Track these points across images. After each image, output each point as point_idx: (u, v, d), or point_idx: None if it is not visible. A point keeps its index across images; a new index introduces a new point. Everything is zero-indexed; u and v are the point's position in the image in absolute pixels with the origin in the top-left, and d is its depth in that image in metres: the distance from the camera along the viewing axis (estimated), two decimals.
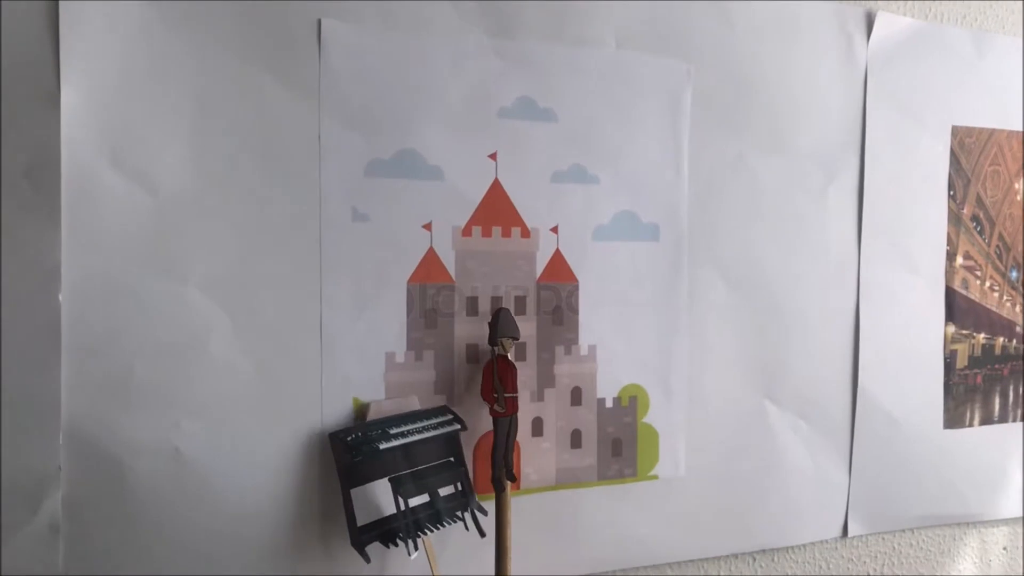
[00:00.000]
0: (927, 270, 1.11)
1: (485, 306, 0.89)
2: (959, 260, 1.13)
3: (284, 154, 0.80)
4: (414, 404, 0.86)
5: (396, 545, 0.81)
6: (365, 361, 0.84)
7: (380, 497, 0.83)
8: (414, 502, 0.81)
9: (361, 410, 0.84)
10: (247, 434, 0.79)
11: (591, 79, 0.92)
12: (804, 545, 1.08)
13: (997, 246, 1.15)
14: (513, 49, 0.89)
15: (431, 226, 0.86)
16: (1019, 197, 1.16)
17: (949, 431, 1.14)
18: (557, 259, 0.92)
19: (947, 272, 1.12)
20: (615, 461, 0.95)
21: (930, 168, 1.11)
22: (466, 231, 0.88)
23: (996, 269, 1.16)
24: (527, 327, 0.90)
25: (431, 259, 0.86)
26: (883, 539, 1.14)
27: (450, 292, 0.87)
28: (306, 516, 0.82)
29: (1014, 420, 1.18)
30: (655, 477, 0.97)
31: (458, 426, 0.86)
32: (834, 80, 1.04)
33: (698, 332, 0.98)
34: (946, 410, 1.13)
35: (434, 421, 0.85)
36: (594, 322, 0.93)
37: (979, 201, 1.13)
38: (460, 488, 0.85)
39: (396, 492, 0.80)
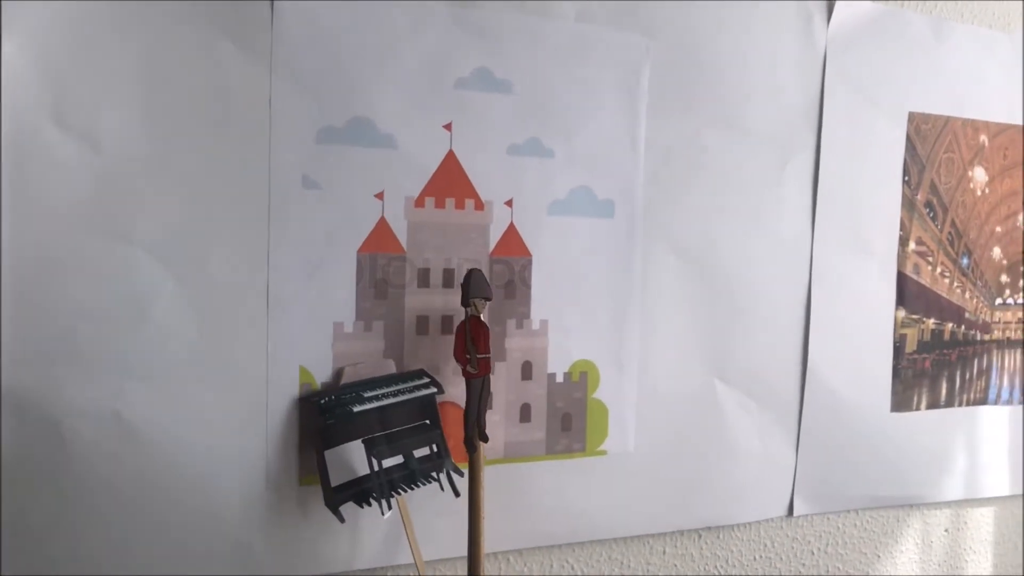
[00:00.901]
0: (879, 254, 1.12)
1: (437, 278, 0.88)
2: (911, 245, 1.14)
3: (234, 118, 0.79)
4: (390, 368, 0.86)
5: (370, 505, 0.81)
6: (313, 330, 0.83)
7: (354, 458, 0.83)
8: (388, 463, 0.82)
9: (338, 375, 0.84)
10: (190, 399, 0.78)
11: (550, 52, 0.91)
12: (749, 523, 1.10)
13: (949, 233, 1.17)
14: (472, 19, 0.88)
15: (383, 196, 0.85)
16: (972, 185, 1.18)
17: (896, 414, 1.15)
18: (511, 233, 0.91)
19: (899, 257, 1.13)
20: (564, 436, 0.95)
21: (886, 153, 1.11)
22: (419, 202, 0.87)
23: (947, 255, 1.17)
24: None
25: (383, 229, 0.86)
26: (828, 519, 1.16)
27: (401, 263, 0.87)
28: (253, 480, 0.81)
29: (960, 405, 1.20)
30: (603, 452, 0.97)
31: (434, 389, 0.86)
32: (793, 61, 1.04)
33: (650, 309, 0.99)
34: (894, 393, 1.15)
35: (410, 384, 0.85)
36: (546, 297, 0.93)
37: (933, 187, 1.15)
38: (435, 450, 0.86)
39: (369, 453, 0.80)
